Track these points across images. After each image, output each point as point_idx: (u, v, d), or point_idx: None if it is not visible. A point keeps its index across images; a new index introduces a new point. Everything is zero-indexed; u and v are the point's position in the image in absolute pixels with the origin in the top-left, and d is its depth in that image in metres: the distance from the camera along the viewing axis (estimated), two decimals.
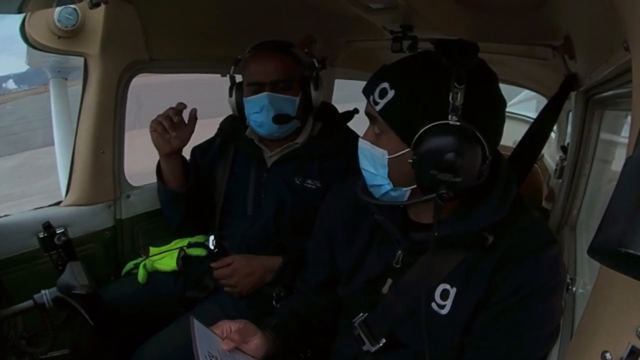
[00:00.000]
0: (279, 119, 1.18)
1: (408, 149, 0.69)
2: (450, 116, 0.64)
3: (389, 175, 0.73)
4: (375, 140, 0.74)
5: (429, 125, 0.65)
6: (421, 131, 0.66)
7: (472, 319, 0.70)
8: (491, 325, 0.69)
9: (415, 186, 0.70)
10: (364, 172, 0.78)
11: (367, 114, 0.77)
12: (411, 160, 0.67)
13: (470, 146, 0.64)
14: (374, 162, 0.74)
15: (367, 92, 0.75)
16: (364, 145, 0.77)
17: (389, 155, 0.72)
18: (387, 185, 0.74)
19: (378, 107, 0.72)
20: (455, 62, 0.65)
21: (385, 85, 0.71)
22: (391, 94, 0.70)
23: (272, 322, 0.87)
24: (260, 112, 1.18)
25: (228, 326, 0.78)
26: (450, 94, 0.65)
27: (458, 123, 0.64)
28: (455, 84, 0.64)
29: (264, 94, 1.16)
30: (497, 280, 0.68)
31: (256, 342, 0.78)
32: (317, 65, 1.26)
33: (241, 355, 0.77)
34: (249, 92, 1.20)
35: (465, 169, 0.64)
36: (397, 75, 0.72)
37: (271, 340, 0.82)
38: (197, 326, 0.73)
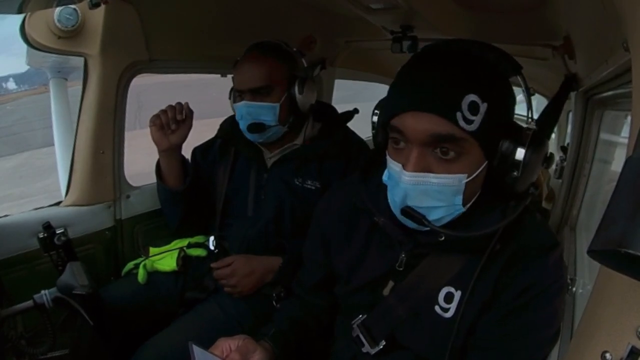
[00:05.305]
0: (252, 127, 1.18)
1: (486, 162, 0.64)
2: (528, 120, 0.65)
3: (463, 200, 0.64)
4: (446, 167, 0.62)
5: (531, 133, 0.63)
6: (530, 138, 0.62)
7: (477, 321, 0.70)
8: (495, 326, 0.68)
9: (478, 194, 0.68)
10: (421, 210, 0.64)
11: (441, 136, 0.59)
12: (515, 173, 0.62)
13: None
14: (444, 194, 0.63)
15: (442, 107, 0.59)
16: (426, 180, 0.61)
17: (467, 178, 0.62)
18: (458, 211, 0.66)
19: (472, 127, 0.59)
20: (516, 66, 0.65)
21: (474, 97, 0.59)
22: (484, 107, 0.59)
23: (270, 331, 0.86)
24: (241, 119, 1.19)
25: (227, 345, 0.76)
26: (525, 101, 0.67)
27: (535, 127, 0.65)
28: (525, 89, 0.65)
29: (242, 102, 1.17)
30: (503, 283, 0.68)
31: (257, 357, 0.76)
32: (305, 66, 1.25)
33: None
34: (235, 99, 1.21)
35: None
36: (481, 83, 0.60)
37: (271, 351, 0.81)
38: (197, 351, 0.70)
